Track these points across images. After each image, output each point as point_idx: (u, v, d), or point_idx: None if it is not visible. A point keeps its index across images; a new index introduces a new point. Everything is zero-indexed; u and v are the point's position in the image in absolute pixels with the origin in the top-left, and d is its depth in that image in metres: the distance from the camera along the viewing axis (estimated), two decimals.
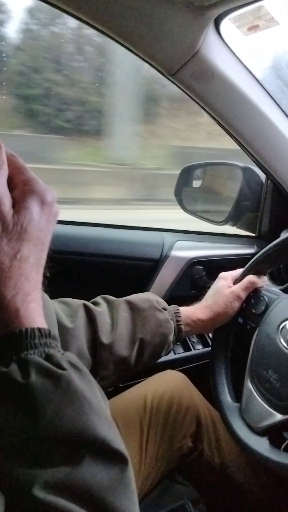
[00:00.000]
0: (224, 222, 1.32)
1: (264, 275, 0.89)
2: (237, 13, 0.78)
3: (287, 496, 0.96)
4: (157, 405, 0.94)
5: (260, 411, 0.72)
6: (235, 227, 1.34)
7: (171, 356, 1.16)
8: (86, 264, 1.11)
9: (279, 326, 0.76)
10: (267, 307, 0.81)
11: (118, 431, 0.84)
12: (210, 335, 1.25)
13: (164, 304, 0.84)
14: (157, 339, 0.80)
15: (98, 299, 0.84)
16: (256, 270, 0.87)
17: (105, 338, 0.75)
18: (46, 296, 0.75)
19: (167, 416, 0.93)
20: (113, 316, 0.79)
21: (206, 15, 0.77)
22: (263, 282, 0.88)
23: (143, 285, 1.12)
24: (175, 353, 1.17)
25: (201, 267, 1.18)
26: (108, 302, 0.82)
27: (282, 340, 0.74)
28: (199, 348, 1.20)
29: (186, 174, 1.47)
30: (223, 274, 0.92)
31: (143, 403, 0.94)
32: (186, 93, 0.91)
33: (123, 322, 0.78)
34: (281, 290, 0.98)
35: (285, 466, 0.65)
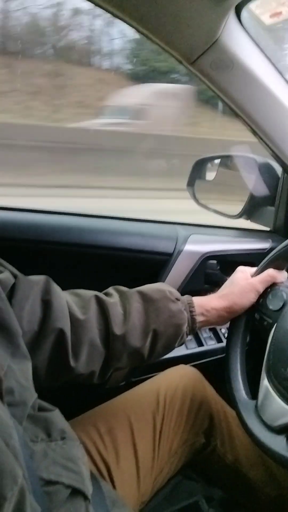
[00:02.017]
0: (238, 216, 1.30)
1: (283, 269, 0.87)
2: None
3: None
4: (170, 400, 0.93)
5: (277, 409, 0.70)
6: (249, 221, 1.32)
7: (183, 351, 1.15)
8: (99, 257, 1.10)
9: None
10: (285, 303, 0.79)
11: (131, 426, 0.84)
12: (223, 331, 1.24)
13: (177, 294, 0.83)
14: (170, 329, 0.79)
15: (110, 290, 0.83)
16: (276, 264, 0.85)
17: (117, 329, 0.75)
18: (58, 288, 0.74)
19: (180, 412, 0.93)
20: (125, 307, 0.78)
21: (226, 2, 0.75)
22: (283, 277, 0.86)
23: (156, 279, 1.11)
24: (187, 348, 1.16)
25: (215, 262, 1.16)
26: (120, 293, 0.81)
27: None
28: (212, 344, 1.19)
29: (200, 166, 1.45)
30: (241, 268, 0.90)
31: (156, 398, 0.93)
32: (205, 83, 0.89)
33: (136, 313, 0.77)
34: None
35: None
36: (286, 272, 0.87)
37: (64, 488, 0.54)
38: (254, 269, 0.88)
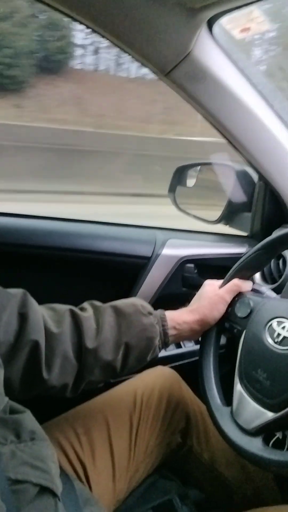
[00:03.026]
0: (217, 221, 1.33)
1: (248, 279, 0.90)
2: (230, 15, 0.79)
3: (276, 491, 0.97)
4: (147, 400, 0.95)
5: (251, 412, 0.72)
6: (227, 226, 1.35)
7: (162, 352, 1.16)
8: (78, 261, 1.11)
9: (265, 325, 0.77)
10: (252, 310, 0.82)
11: (107, 426, 0.86)
12: None
13: (150, 308, 0.85)
14: (142, 343, 0.81)
15: (85, 304, 0.85)
16: (240, 274, 0.88)
17: (90, 342, 0.77)
18: (34, 302, 0.77)
19: (156, 412, 0.94)
20: (98, 321, 0.80)
21: (198, 17, 0.78)
22: (248, 286, 0.89)
23: (135, 282, 1.13)
24: (165, 350, 1.18)
25: (193, 265, 1.19)
26: (94, 307, 0.83)
27: (269, 339, 0.75)
28: (190, 346, 1.21)
29: (180, 173, 1.48)
30: (208, 281, 0.93)
31: (133, 398, 0.95)
32: (179, 93, 0.92)
33: (108, 327, 0.79)
34: (272, 289, 0.99)
35: (276, 462, 0.66)
36: (250, 281, 0.90)
37: (32, 487, 0.57)
38: (220, 281, 0.91)
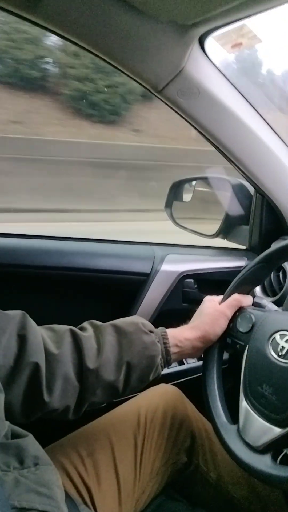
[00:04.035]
0: (215, 235, 1.33)
1: (249, 293, 0.90)
2: (221, 31, 0.80)
3: (285, 509, 0.95)
4: (151, 420, 0.93)
5: (258, 428, 0.71)
6: (225, 240, 1.35)
7: (164, 370, 1.16)
8: (77, 279, 1.11)
9: (268, 339, 0.76)
10: (254, 324, 0.81)
11: (112, 447, 0.84)
12: None
13: (151, 326, 0.84)
14: (144, 362, 0.80)
15: (85, 324, 0.84)
16: (240, 289, 0.88)
17: (91, 363, 0.75)
18: (34, 323, 0.76)
19: (161, 431, 0.93)
20: (99, 341, 0.79)
21: (190, 33, 0.79)
22: (249, 301, 0.89)
23: (134, 299, 1.12)
24: (168, 367, 1.17)
25: (192, 281, 1.18)
26: (94, 326, 0.82)
27: (273, 352, 0.74)
28: (192, 362, 1.20)
29: (176, 188, 1.49)
30: (208, 297, 0.92)
31: (137, 418, 0.93)
32: (173, 109, 0.93)
33: (109, 346, 0.78)
34: (273, 302, 0.99)
35: (286, 479, 0.65)
36: (250, 296, 0.89)
37: None
38: (220, 297, 0.90)
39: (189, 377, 1.17)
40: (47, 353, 0.73)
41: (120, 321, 0.84)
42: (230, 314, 0.86)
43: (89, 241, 1.20)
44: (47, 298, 1.10)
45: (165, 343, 0.83)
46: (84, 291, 1.13)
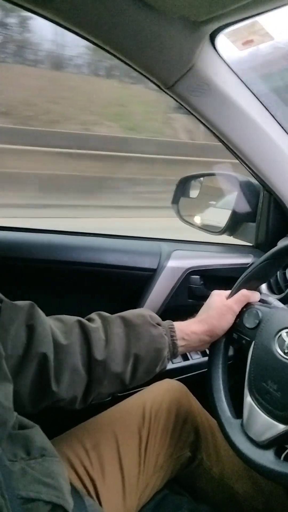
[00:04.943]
0: (222, 232, 1.33)
1: (256, 289, 0.90)
2: (232, 28, 0.80)
3: (287, 505, 0.96)
4: (156, 414, 0.94)
5: (262, 424, 0.71)
6: (232, 236, 1.35)
7: (169, 365, 1.16)
8: (84, 274, 1.11)
9: (275, 336, 0.76)
10: (261, 320, 0.81)
11: (116, 441, 0.85)
12: None
13: (158, 319, 0.85)
14: (151, 354, 0.80)
15: (93, 315, 0.84)
16: (248, 285, 0.88)
17: (99, 354, 0.76)
18: (42, 313, 0.76)
19: (165, 426, 0.93)
20: (107, 332, 0.79)
21: (201, 30, 0.79)
22: (256, 297, 0.89)
23: (141, 295, 1.13)
24: (173, 362, 1.17)
25: (198, 277, 1.19)
26: (102, 318, 0.82)
27: (279, 349, 0.74)
28: (197, 357, 1.20)
29: (183, 184, 1.49)
30: (215, 291, 0.93)
31: (142, 412, 0.94)
32: (183, 106, 0.93)
33: (117, 338, 0.79)
34: (279, 299, 0.99)
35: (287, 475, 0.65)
36: (258, 292, 0.90)
37: (44, 505, 0.56)
38: (228, 292, 0.91)
39: (194, 373, 1.18)
40: (56, 343, 0.73)
41: (128, 313, 0.84)
42: (237, 309, 0.87)
43: (96, 236, 1.20)
44: (54, 292, 1.10)
45: (172, 336, 0.83)
46: (91, 286, 1.13)
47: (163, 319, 0.87)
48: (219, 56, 0.86)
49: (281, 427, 0.69)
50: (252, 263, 1.19)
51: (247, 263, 1.21)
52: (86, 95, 9.59)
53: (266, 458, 0.69)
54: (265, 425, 0.71)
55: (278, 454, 0.69)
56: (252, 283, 0.88)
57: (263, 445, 0.70)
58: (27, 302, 0.75)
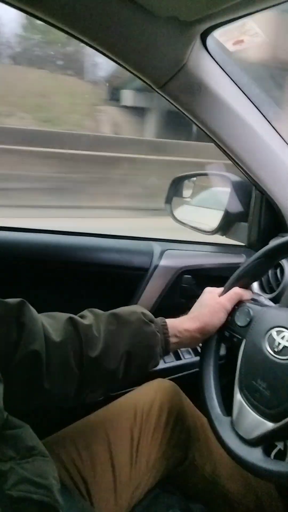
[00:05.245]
0: (214, 232, 1.33)
1: (248, 288, 0.90)
2: (223, 28, 0.80)
3: (278, 502, 0.96)
4: (147, 414, 0.94)
5: (251, 422, 0.72)
6: (224, 236, 1.35)
7: (161, 365, 1.16)
8: (76, 273, 1.11)
9: (265, 334, 0.77)
10: (252, 319, 0.82)
11: (108, 440, 0.85)
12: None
13: (151, 316, 0.85)
14: (144, 351, 0.80)
15: (85, 312, 0.84)
16: (241, 283, 0.88)
17: (91, 351, 0.76)
18: (34, 310, 0.76)
19: (157, 425, 0.93)
20: (99, 329, 0.79)
21: (192, 30, 0.79)
22: (248, 295, 0.89)
23: (133, 294, 1.13)
24: (165, 362, 1.17)
25: (191, 276, 1.19)
26: (95, 315, 0.82)
27: (268, 348, 0.75)
28: (189, 357, 1.21)
29: (176, 184, 1.49)
30: (208, 288, 0.93)
31: (133, 412, 0.94)
32: (175, 106, 0.93)
33: (109, 335, 0.79)
34: (270, 299, 0.99)
35: (276, 473, 0.66)
36: (250, 290, 0.90)
37: (33, 504, 0.55)
38: (221, 289, 0.91)
39: (185, 372, 1.18)
40: (47, 340, 0.73)
41: (121, 310, 0.84)
42: (229, 307, 0.87)
43: (88, 236, 1.20)
44: (46, 292, 1.10)
45: (164, 333, 0.83)
46: (84, 285, 1.13)
47: (156, 317, 0.87)
48: (210, 56, 0.86)
49: (269, 425, 0.69)
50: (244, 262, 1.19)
51: (239, 263, 1.22)
52: (4, 84, 9.28)
53: (255, 456, 0.69)
54: (254, 423, 0.71)
55: (267, 452, 0.70)
56: (244, 281, 0.89)
57: (252, 443, 0.71)
58: (17, 300, 0.75)
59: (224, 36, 0.82)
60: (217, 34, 0.82)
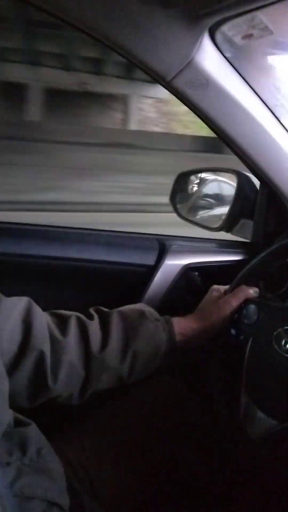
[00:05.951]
0: (219, 228, 1.32)
1: (254, 286, 0.90)
2: (232, 22, 0.79)
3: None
4: (154, 412, 0.94)
5: (258, 420, 0.72)
6: (230, 233, 1.34)
7: (167, 362, 1.15)
8: (81, 270, 1.11)
9: (273, 333, 0.76)
10: (259, 317, 0.81)
11: (114, 438, 0.85)
12: None
13: (156, 314, 0.85)
14: (149, 349, 0.80)
15: (91, 310, 0.84)
16: (247, 281, 0.88)
17: (96, 350, 0.76)
18: (39, 309, 0.75)
19: (164, 423, 0.93)
20: (105, 328, 0.79)
21: (200, 24, 0.78)
22: (255, 292, 0.89)
23: (138, 291, 1.12)
24: (171, 359, 1.16)
25: (196, 273, 1.18)
26: (100, 313, 0.82)
27: (277, 347, 0.74)
28: (195, 354, 1.20)
29: (181, 180, 1.48)
30: (214, 287, 0.92)
31: (140, 410, 0.93)
32: (181, 100, 0.91)
33: (115, 333, 0.78)
34: (276, 296, 0.98)
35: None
36: (257, 288, 0.89)
37: (40, 502, 0.56)
38: (227, 287, 0.90)
39: (192, 369, 1.17)
40: (53, 339, 0.73)
41: (126, 309, 0.84)
42: (236, 305, 0.86)
43: (93, 231, 1.19)
44: (52, 288, 1.09)
45: (170, 332, 0.83)
46: (88, 282, 1.12)
47: (161, 315, 0.87)
48: (219, 50, 0.85)
49: (277, 424, 0.69)
50: (251, 259, 1.18)
51: (245, 260, 1.21)
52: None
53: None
54: (261, 422, 0.71)
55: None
56: (251, 279, 0.88)
57: (259, 442, 0.71)
58: (23, 298, 0.75)
59: (232, 30, 0.80)
60: (226, 28, 0.81)
